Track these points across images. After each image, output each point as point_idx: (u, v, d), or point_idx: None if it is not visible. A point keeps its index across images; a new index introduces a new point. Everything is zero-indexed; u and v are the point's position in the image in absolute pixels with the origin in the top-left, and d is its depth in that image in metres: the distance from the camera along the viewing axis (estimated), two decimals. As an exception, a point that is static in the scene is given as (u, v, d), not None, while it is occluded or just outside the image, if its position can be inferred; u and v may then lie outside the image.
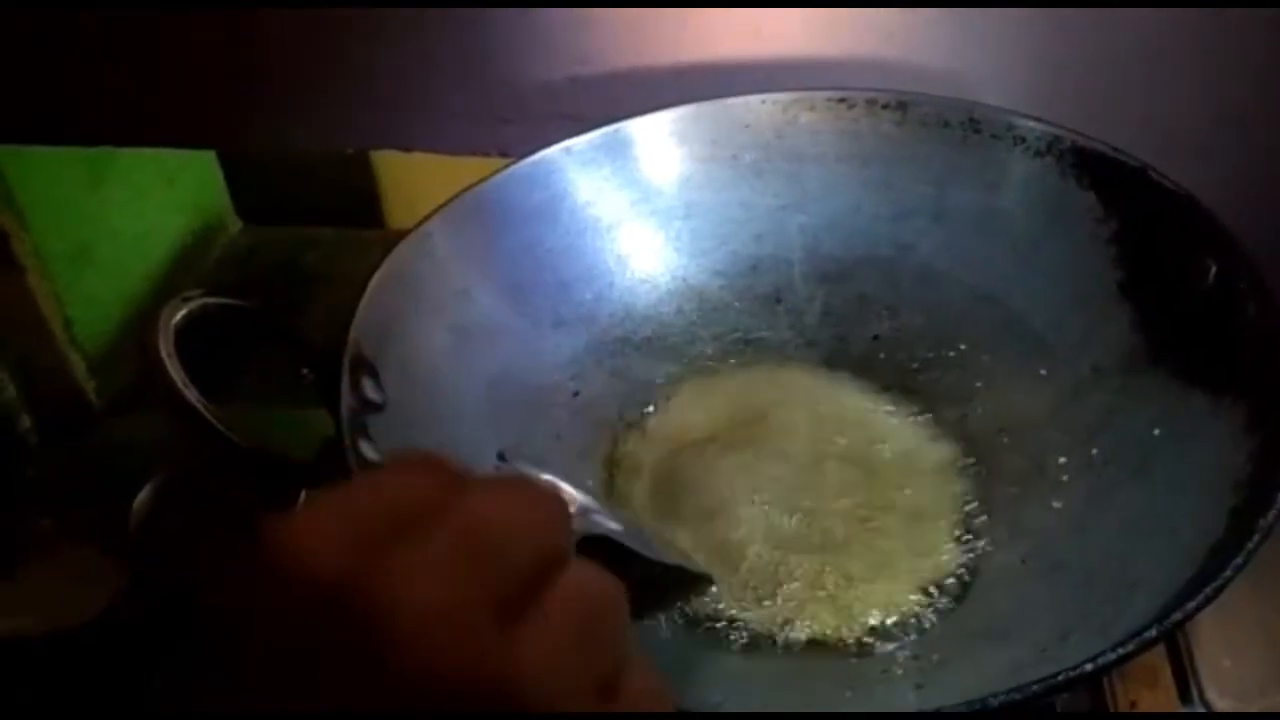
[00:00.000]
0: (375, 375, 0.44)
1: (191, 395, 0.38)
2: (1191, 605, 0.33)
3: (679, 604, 0.43)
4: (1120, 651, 0.32)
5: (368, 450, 0.41)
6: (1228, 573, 0.33)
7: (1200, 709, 0.45)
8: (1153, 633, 0.32)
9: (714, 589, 0.44)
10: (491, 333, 0.51)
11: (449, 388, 0.48)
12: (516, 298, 0.52)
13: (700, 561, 0.44)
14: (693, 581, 0.43)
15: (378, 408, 0.43)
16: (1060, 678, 0.32)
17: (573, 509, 0.34)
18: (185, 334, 0.41)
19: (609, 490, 0.49)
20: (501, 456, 0.36)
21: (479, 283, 0.51)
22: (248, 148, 0.75)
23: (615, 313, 0.54)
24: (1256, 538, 0.34)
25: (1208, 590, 0.33)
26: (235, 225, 0.82)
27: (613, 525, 0.36)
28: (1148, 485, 0.42)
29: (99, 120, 0.64)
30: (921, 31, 0.55)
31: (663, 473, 0.49)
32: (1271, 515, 0.35)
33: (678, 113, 0.54)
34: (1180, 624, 0.33)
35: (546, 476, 0.35)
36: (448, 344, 0.49)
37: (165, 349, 0.38)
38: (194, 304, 0.39)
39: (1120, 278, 0.47)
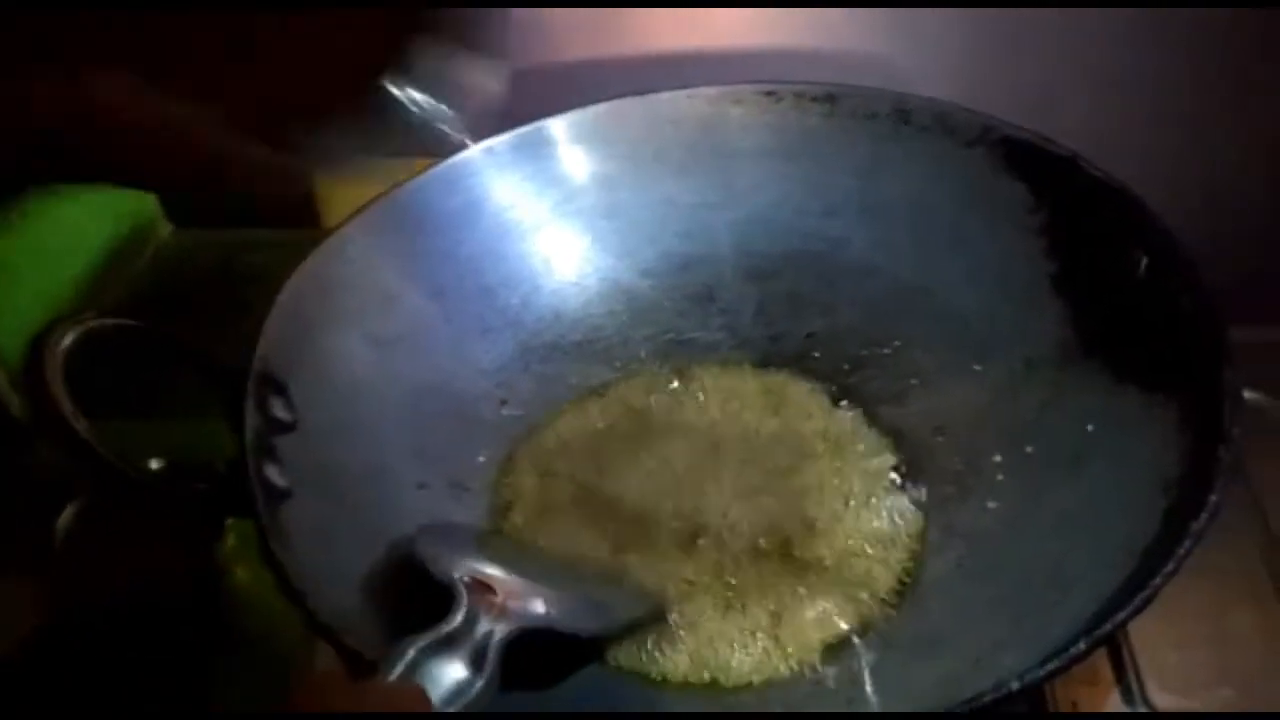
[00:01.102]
0: (284, 392, 0.42)
1: (81, 428, 0.36)
2: (1121, 615, 0.32)
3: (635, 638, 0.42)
4: (1048, 668, 0.31)
5: (272, 474, 0.39)
6: (1157, 580, 0.32)
7: (1142, 707, 0.44)
8: (1081, 646, 0.31)
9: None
10: (413, 342, 0.49)
11: (368, 402, 0.47)
12: (439, 305, 0.50)
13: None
14: (647, 621, 0.42)
15: (287, 427, 0.42)
16: (987, 698, 0.30)
17: (502, 600, 0.35)
18: (83, 353, 0.39)
19: (533, 507, 0.47)
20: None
21: (400, 288, 0.50)
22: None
23: (543, 317, 0.53)
24: (1188, 543, 0.33)
25: (1137, 600, 0.32)
26: (165, 229, 0.80)
27: (540, 610, 0.36)
28: (1082, 483, 0.41)
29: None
30: (851, 23, 0.54)
31: (587, 486, 0.48)
32: (1203, 519, 0.34)
33: (600, 110, 0.53)
34: (1110, 635, 0.32)
35: (472, 567, 0.35)
36: (367, 355, 0.47)
37: (52, 376, 0.36)
38: (82, 327, 0.38)
39: (1052, 270, 0.46)
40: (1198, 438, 0.37)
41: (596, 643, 0.41)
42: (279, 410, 0.42)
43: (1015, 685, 0.31)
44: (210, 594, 0.55)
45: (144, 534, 0.55)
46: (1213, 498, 0.34)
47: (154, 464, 0.46)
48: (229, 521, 0.54)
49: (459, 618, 0.34)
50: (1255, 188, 0.58)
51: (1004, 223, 0.48)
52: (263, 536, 0.37)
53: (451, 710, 0.31)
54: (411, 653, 0.32)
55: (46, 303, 0.69)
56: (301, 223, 0.79)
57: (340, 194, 0.78)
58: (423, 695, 0.31)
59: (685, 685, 0.40)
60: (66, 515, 0.55)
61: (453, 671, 0.32)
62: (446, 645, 0.33)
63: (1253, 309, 0.56)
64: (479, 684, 0.32)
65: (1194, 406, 0.38)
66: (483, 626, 0.34)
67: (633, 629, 0.41)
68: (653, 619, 0.42)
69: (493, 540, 0.45)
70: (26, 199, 0.67)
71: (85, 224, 0.73)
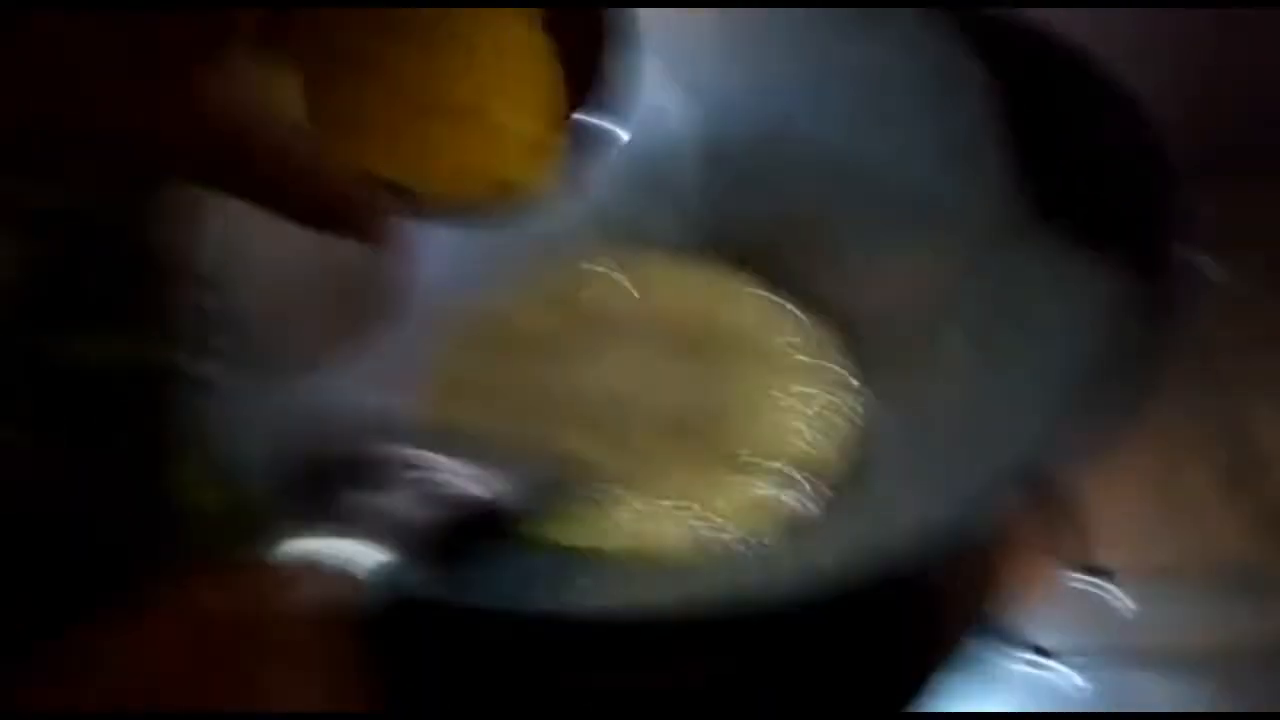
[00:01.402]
0: (216, 286, 0.41)
1: None
2: (1061, 456, 0.32)
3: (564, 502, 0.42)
4: (984, 507, 0.31)
5: (207, 368, 0.38)
6: (1100, 424, 0.32)
7: (1094, 572, 0.44)
8: (1018, 484, 0.31)
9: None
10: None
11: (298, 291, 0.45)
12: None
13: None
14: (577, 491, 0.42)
15: (220, 320, 0.41)
16: (927, 549, 0.30)
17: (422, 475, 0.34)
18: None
19: (457, 392, 0.47)
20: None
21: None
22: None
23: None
24: (1133, 394, 0.33)
25: (1076, 442, 0.32)
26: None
27: (464, 486, 0.35)
28: (1030, 354, 0.41)
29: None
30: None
31: (513, 374, 0.47)
32: (1148, 374, 0.33)
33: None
34: (1048, 474, 0.32)
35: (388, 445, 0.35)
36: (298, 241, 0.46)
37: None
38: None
39: (1001, 137, 0.45)
40: (1143, 296, 0.37)
41: (521, 517, 0.40)
42: (211, 303, 0.41)
43: (957, 525, 0.30)
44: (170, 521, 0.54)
45: (90, 446, 0.54)
46: (1157, 351, 0.34)
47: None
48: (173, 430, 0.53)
49: (369, 495, 0.33)
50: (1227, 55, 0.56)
51: (953, 90, 0.47)
52: (196, 430, 0.36)
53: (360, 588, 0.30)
54: (310, 534, 0.30)
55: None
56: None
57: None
58: (310, 576, 0.29)
59: (618, 558, 0.40)
60: None
61: (364, 550, 0.31)
62: (357, 524, 0.32)
63: (1212, 173, 0.56)
64: (397, 561, 0.31)
65: (1143, 266, 0.38)
66: (399, 503, 0.33)
67: (562, 500, 0.41)
68: (584, 489, 0.42)
69: (412, 420, 0.44)
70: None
71: None
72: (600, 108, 0.36)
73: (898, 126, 0.49)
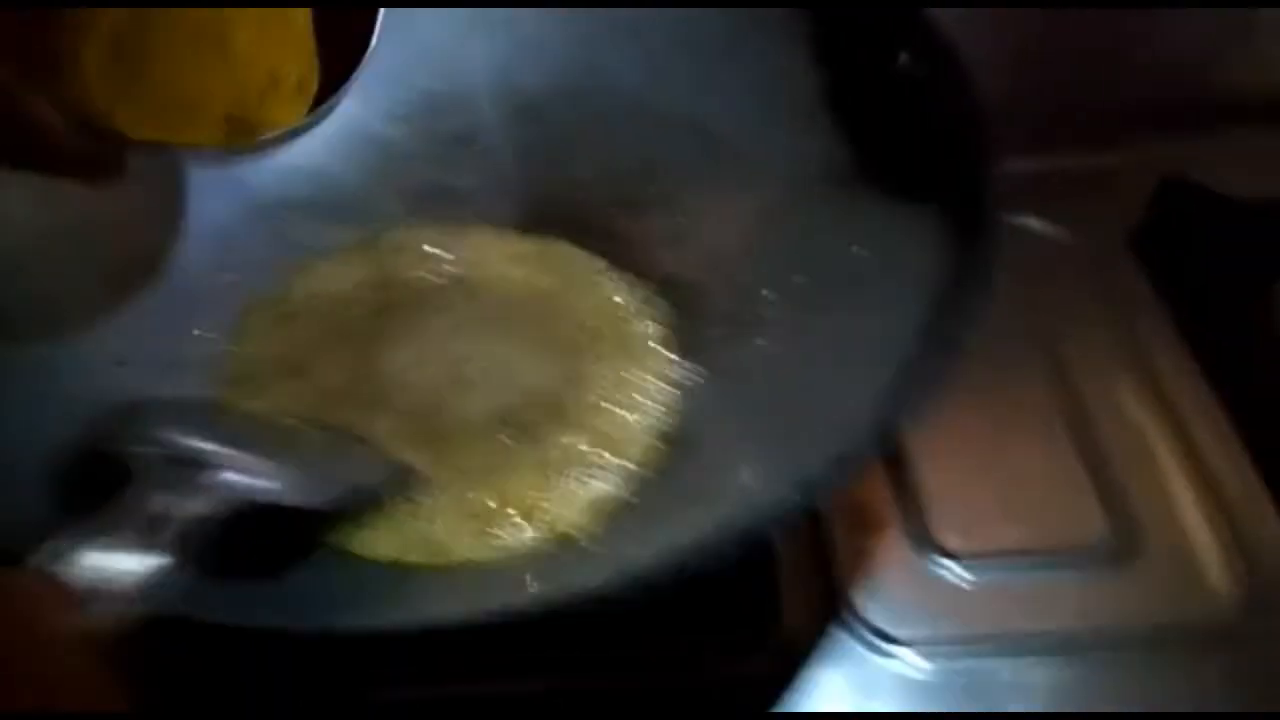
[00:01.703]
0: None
1: None
2: (889, 422, 0.29)
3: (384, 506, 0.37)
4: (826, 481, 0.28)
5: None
6: (925, 387, 0.29)
7: (930, 550, 0.41)
8: (862, 453, 0.28)
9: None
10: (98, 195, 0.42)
11: (44, 264, 0.39)
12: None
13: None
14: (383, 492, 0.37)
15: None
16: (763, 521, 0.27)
17: (202, 474, 0.31)
18: None
19: (256, 382, 0.41)
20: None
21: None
22: None
23: (269, 168, 0.45)
24: (953, 350, 0.30)
25: (902, 406, 0.29)
26: None
27: (249, 482, 0.31)
28: (854, 309, 0.38)
29: None
30: None
31: (320, 359, 0.42)
32: (967, 326, 0.30)
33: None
34: (877, 446, 0.29)
35: (165, 439, 0.31)
36: (40, 210, 0.40)
37: None
38: None
39: (820, 84, 0.42)
40: (964, 247, 0.34)
41: (326, 521, 0.36)
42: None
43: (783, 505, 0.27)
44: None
45: None
46: (975, 303, 0.31)
47: None
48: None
49: (136, 496, 0.29)
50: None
51: (770, 36, 0.44)
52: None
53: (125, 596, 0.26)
54: (66, 539, 0.26)
55: None
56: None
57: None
58: (63, 584, 0.25)
59: (429, 565, 0.36)
60: None
61: (122, 556, 0.27)
62: (120, 529, 0.28)
63: (1048, 139, 0.55)
64: (160, 567, 0.27)
65: (956, 215, 0.36)
66: (168, 504, 0.29)
67: (368, 501, 0.36)
68: (392, 489, 0.37)
69: (202, 413, 0.39)
70: None
71: None
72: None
73: (713, 77, 0.45)
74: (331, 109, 0.37)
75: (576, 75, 0.47)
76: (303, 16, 0.35)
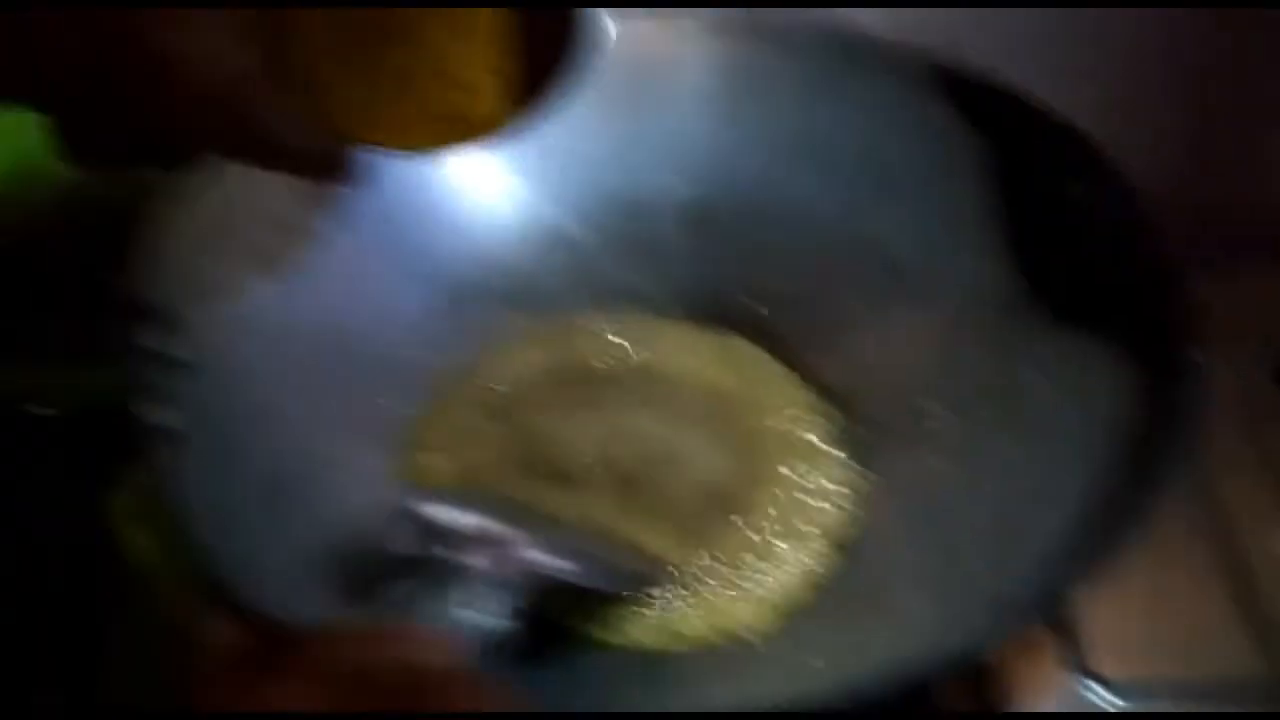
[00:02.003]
0: (180, 328, 0.39)
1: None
2: (1086, 570, 0.30)
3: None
4: (1015, 624, 0.29)
5: (167, 415, 0.35)
6: (1121, 539, 0.31)
7: (1081, 674, 0.42)
8: (1049, 602, 0.29)
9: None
10: (322, 280, 0.45)
11: (272, 341, 0.43)
12: (351, 240, 0.46)
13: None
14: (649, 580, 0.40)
15: (183, 365, 0.38)
16: (939, 666, 0.28)
17: (506, 550, 0.32)
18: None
19: (457, 460, 0.44)
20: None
21: (307, 223, 0.45)
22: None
23: (465, 259, 0.49)
24: (1151, 497, 0.31)
25: (1100, 558, 0.30)
26: (58, 169, 0.74)
27: (547, 560, 0.34)
28: (1027, 432, 0.40)
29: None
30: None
31: (514, 440, 0.45)
32: (1168, 467, 0.32)
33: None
34: (1072, 591, 0.30)
35: (487, 523, 0.33)
36: (269, 292, 0.43)
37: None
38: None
39: (997, 212, 0.44)
40: (1153, 381, 0.35)
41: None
42: (174, 347, 0.38)
43: (968, 651, 0.29)
44: (98, 557, 0.51)
45: (29, 485, 0.51)
46: (1177, 443, 0.32)
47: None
48: (125, 479, 0.50)
49: (462, 565, 0.32)
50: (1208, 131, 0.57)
51: (947, 164, 0.46)
52: (155, 483, 0.33)
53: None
54: (410, 593, 0.30)
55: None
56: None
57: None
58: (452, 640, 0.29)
59: (620, 649, 0.38)
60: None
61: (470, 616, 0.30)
62: (452, 589, 0.31)
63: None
64: (501, 627, 0.31)
65: (1147, 349, 0.37)
66: (498, 577, 0.32)
67: (635, 585, 0.39)
68: (654, 579, 0.39)
69: (475, 497, 0.42)
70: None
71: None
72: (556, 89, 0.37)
73: (890, 196, 0.48)
74: (540, 115, 0.38)
75: (756, 188, 0.50)
76: (508, 19, 0.36)
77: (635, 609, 0.39)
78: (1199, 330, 0.37)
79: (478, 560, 0.31)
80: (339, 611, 0.30)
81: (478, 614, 0.30)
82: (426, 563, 0.31)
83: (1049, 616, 0.31)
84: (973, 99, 0.46)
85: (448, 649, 0.28)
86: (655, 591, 0.39)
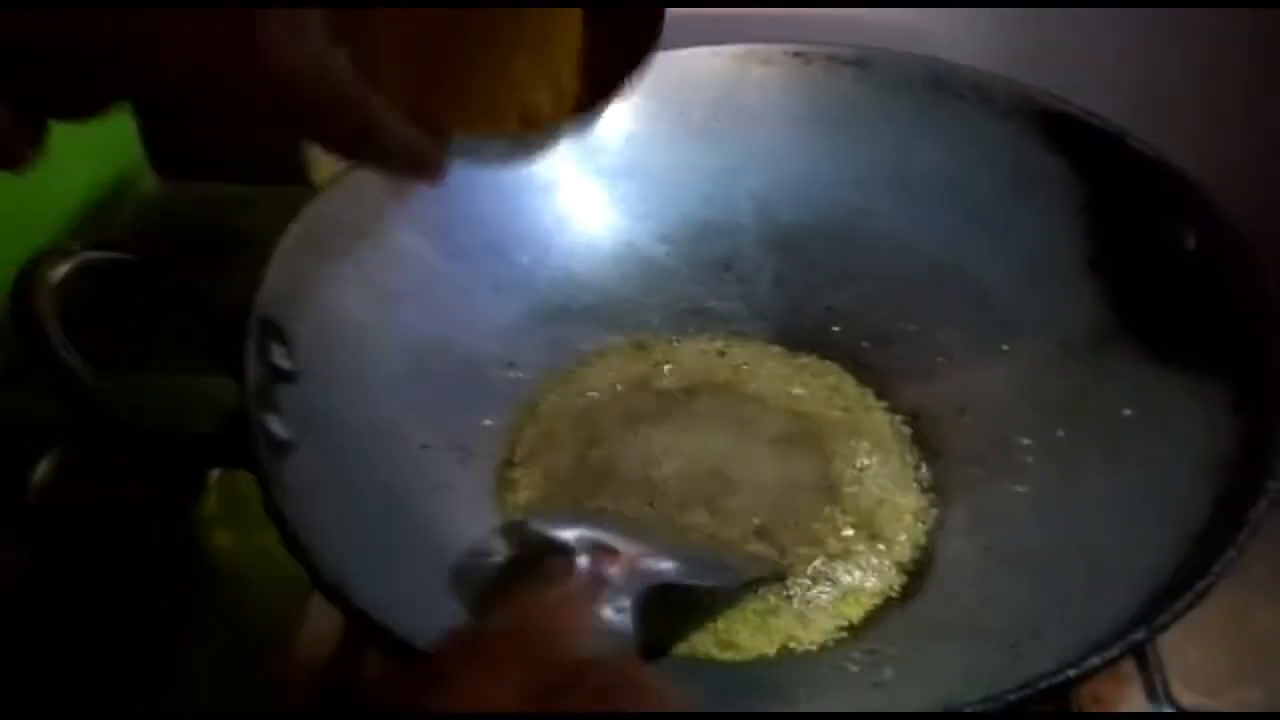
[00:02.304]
0: (286, 341, 0.40)
1: (72, 359, 0.34)
2: (1179, 604, 0.30)
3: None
4: (1105, 655, 0.29)
5: (274, 425, 0.37)
6: (1217, 568, 0.31)
7: (1166, 706, 0.42)
8: (1141, 634, 0.30)
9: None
10: (419, 297, 0.47)
11: (372, 356, 0.44)
12: (449, 258, 0.48)
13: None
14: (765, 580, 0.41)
15: (289, 377, 0.39)
16: (1042, 684, 0.29)
17: (621, 568, 0.33)
18: (73, 294, 0.37)
19: (542, 473, 0.45)
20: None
21: (408, 240, 0.47)
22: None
23: (555, 278, 0.50)
24: (1246, 530, 0.32)
25: (1197, 587, 0.30)
26: (150, 181, 0.77)
27: (663, 567, 0.34)
28: (1120, 469, 0.40)
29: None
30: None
31: (595, 454, 0.46)
32: (1262, 505, 0.32)
33: (623, 64, 0.50)
34: (1167, 625, 0.30)
35: (597, 534, 0.33)
36: (371, 308, 0.45)
37: (43, 308, 0.34)
38: (76, 259, 0.35)
39: (1090, 249, 0.45)
40: (1252, 420, 0.36)
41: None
42: (281, 359, 0.40)
43: (1071, 674, 0.29)
44: (187, 557, 0.53)
45: (122, 489, 0.53)
46: (1272, 483, 0.33)
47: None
48: (211, 483, 0.52)
49: (584, 576, 0.32)
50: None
51: (1040, 199, 0.46)
52: (265, 488, 0.35)
53: None
54: None
55: (15, 256, 0.66)
56: (291, 180, 0.77)
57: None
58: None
59: (705, 659, 0.38)
60: (42, 470, 0.53)
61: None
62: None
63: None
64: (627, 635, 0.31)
65: (1245, 388, 0.37)
66: (612, 585, 0.32)
67: (749, 587, 0.40)
68: (770, 578, 0.40)
69: (593, 513, 0.43)
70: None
71: (62, 170, 0.69)
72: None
73: (981, 229, 0.48)
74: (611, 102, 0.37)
75: (840, 214, 0.51)
76: (581, 18, 0.36)
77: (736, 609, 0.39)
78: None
79: (601, 570, 0.32)
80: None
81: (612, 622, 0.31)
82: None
83: (1135, 652, 0.31)
84: (1068, 135, 0.46)
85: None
86: (757, 589, 0.40)
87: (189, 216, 0.74)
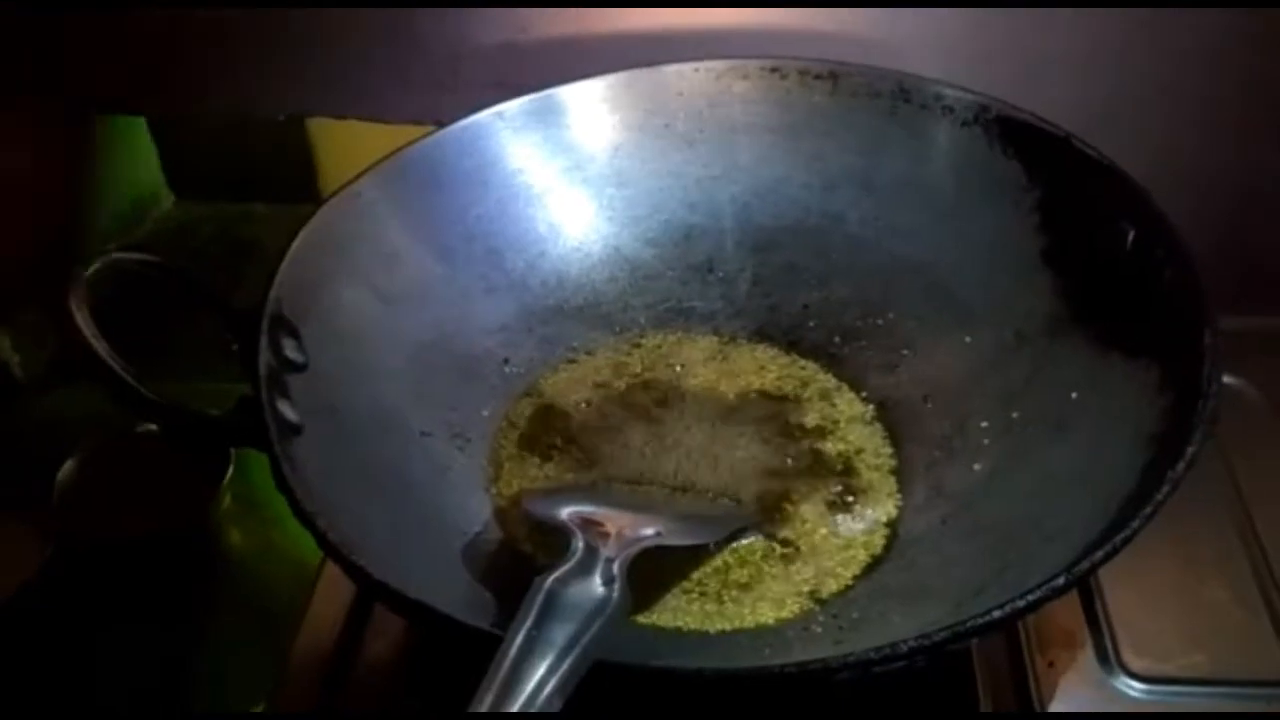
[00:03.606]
0: (296, 335, 0.43)
1: (101, 349, 0.37)
2: (1099, 554, 0.33)
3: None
4: (1029, 599, 0.32)
5: (286, 410, 0.40)
6: (1136, 522, 0.34)
7: (1117, 670, 0.45)
8: (1061, 581, 0.33)
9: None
10: (419, 298, 0.50)
11: (375, 352, 0.48)
12: (446, 263, 0.52)
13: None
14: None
15: (299, 368, 0.43)
16: (968, 624, 0.32)
17: (614, 530, 0.37)
18: (104, 297, 0.40)
19: (533, 461, 0.49)
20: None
21: (408, 246, 0.51)
22: (177, 112, 0.74)
23: (547, 281, 0.54)
24: (1166, 488, 0.35)
25: (1116, 540, 0.33)
26: (168, 199, 0.81)
27: (650, 531, 0.38)
28: (1066, 446, 0.43)
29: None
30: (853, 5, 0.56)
31: (582, 445, 0.49)
32: (1180, 467, 0.35)
33: (610, 80, 0.54)
34: (1088, 572, 0.33)
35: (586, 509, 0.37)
36: (374, 308, 0.48)
37: (77, 304, 0.37)
38: (106, 258, 0.39)
39: (1043, 245, 0.48)
40: (1178, 397, 0.39)
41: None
42: (291, 351, 0.43)
43: (996, 614, 0.32)
44: (204, 549, 0.56)
45: (142, 486, 0.56)
46: (1190, 449, 0.36)
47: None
48: (225, 483, 0.55)
49: (580, 550, 0.36)
50: (1252, 175, 0.59)
51: (998, 199, 0.49)
52: (276, 465, 0.38)
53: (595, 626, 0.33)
54: (549, 583, 0.34)
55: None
56: (302, 198, 0.81)
57: (343, 169, 0.79)
58: None
59: (676, 632, 0.41)
60: (67, 468, 0.57)
61: (590, 592, 0.34)
62: (578, 574, 0.35)
63: (1242, 300, 0.58)
64: (614, 599, 0.34)
65: (1175, 369, 0.40)
66: (604, 554, 0.36)
67: (733, 538, 0.44)
68: (751, 527, 0.44)
69: (581, 487, 0.47)
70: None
71: (87, 189, 0.73)
72: None
73: (945, 230, 0.51)
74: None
75: (814, 218, 0.54)
76: None
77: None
78: (1221, 355, 0.40)
79: (593, 542, 0.36)
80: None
81: (604, 591, 0.34)
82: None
83: (1068, 588, 0.34)
84: (1022, 140, 0.49)
85: None
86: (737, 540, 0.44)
87: (204, 232, 0.78)
